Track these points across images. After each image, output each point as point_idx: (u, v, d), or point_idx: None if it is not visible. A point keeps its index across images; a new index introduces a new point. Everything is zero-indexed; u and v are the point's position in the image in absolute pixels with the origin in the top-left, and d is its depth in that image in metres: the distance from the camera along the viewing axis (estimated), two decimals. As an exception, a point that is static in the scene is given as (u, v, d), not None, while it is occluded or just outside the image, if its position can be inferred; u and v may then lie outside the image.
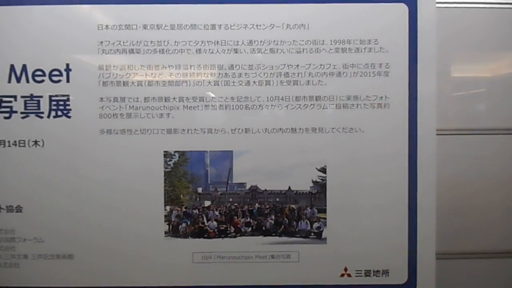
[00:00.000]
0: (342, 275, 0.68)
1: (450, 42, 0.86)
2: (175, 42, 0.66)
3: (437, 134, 0.76)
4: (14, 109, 0.66)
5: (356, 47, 0.67)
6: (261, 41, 0.66)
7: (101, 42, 0.66)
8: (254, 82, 0.67)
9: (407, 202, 0.68)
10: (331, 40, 0.66)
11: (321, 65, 0.66)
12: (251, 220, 0.68)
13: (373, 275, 0.68)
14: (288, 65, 0.67)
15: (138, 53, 0.66)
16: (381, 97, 0.67)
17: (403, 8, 0.66)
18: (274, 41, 0.66)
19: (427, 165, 0.67)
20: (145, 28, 0.66)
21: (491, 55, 0.89)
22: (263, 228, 0.68)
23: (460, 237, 0.86)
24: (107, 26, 0.66)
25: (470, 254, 0.87)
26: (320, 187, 0.67)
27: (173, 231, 0.67)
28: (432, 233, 0.68)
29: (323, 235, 0.68)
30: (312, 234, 0.68)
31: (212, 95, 0.66)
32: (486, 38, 0.87)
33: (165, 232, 0.67)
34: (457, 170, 0.86)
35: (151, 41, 0.66)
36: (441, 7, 0.83)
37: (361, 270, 0.68)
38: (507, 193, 0.88)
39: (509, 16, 0.86)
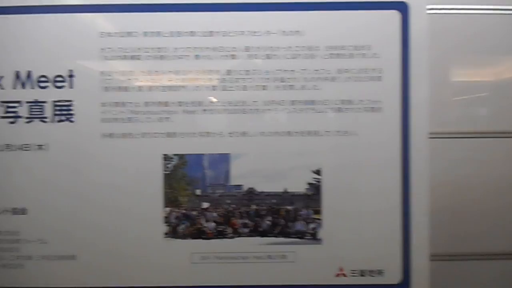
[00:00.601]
0: (338, 275, 0.69)
1: (446, 46, 0.87)
2: (175, 48, 0.68)
3: (431, 138, 0.78)
4: (19, 114, 0.69)
5: (350, 53, 0.68)
6: (257, 47, 0.68)
7: (103, 49, 0.69)
8: (251, 87, 0.69)
9: (401, 203, 0.69)
10: (325, 46, 0.68)
11: (316, 70, 0.68)
12: (248, 221, 0.69)
13: (368, 275, 0.69)
14: (283, 70, 0.69)
15: (138, 59, 0.68)
16: (374, 101, 0.68)
17: (395, 15, 0.68)
18: (270, 47, 0.68)
19: (420, 167, 0.69)
20: (145, 35, 0.68)
21: (489, 60, 0.91)
22: (260, 229, 0.69)
23: (455, 239, 0.87)
24: (109, 33, 0.69)
25: (465, 255, 0.88)
26: (316, 189, 0.69)
27: (173, 232, 0.69)
28: (426, 234, 0.70)
29: (319, 236, 0.69)
30: (308, 234, 0.69)
31: (214, 99, 0.68)
32: (483, 43, 0.89)
33: (165, 233, 0.69)
34: (453, 172, 0.87)
35: (151, 48, 0.68)
36: (439, 13, 0.85)
37: (356, 270, 0.69)
38: (502, 196, 0.89)
39: (504, 21, 0.88)
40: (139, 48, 0.68)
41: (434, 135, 0.86)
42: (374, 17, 0.68)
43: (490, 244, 0.89)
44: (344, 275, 0.69)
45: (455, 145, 0.89)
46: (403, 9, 0.68)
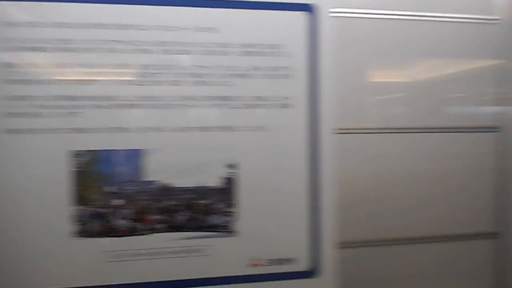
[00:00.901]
0: (252, 265, 0.72)
1: (363, 49, 0.94)
2: (85, 41, 0.66)
3: (340, 133, 0.83)
4: None
5: (263, 51, 0.71)
6: (172, 43, 0.68)
7: (7, 40, 0.65)
8: (166, 82, 0.68)
9: (311, 195, 0.73)
10: (239, 44, 0.70)
11: (229, 67, 0.70)
12: (163, 217, 0.69)
13: (281, 264, 0.73)
14: (198, 66, 0.69)
15: (45, 51, 0.65)
16: (285, 98, 0.72)
17: (304, 16, 0.72)
18: (185, 43, 0.69)
19: (327, 161, 0.73)
20: (52, 26, 0.65)
21: (402, 63, 0.99)
22: (176, 224, 0.70)
23: (362, 227, 0.94)
24: (13, 23, 0.65)
25: (374, 242, 0.95)
26: (230, 182, 0.71)
27: (84, 231, 0.67)
28: (333, 224, 0.74)
29: (234, 229, 0.71)
30: (223, 228, 0.71)
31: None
32: (397, 47, 0.96)
33: (76, 232, 0.67)
34: (358, 165, 0.94)
35: (59, 40, 0.65)
36: (347, 17, 0.91)
37: (269, 260, 0.72)
38: (407, 186, 0.97)
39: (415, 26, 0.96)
40: (45, 40, 0.65)
41: (349, 131, 0.92)
42: (284, 17, 0.71)
43: (398, 230, 0.97)
44: (259, 264, 0.72)
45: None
46: (309, 11, 0.72)
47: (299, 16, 0.71)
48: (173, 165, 0.69)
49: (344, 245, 0.85)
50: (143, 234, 0.69)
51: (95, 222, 0.67)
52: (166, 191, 0.69)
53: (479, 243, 0.99)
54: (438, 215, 0.97)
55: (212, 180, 0.70)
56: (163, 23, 0.68)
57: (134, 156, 0.68)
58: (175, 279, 0.70)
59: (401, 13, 0.94)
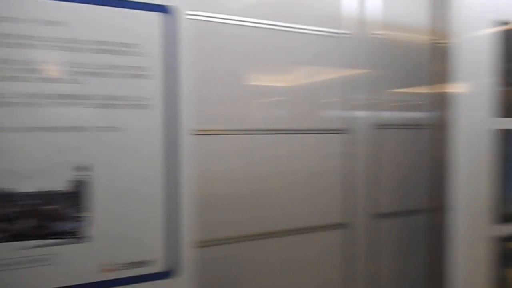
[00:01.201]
0: (106, 270, 0.69)
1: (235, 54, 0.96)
2: None
3: (201, 134, 0.85)
4: None
5: (118, 49, 0.69)
6: (10, 35, 0.62)
7: None
8: (5, 78, 0.62)
9: (168, 196, 0.73)
10: (91, 41, 0.67)
11: (81, 64, 0.66)
12: (2, 225, 0.63)
13: (137, 266, 0.71)
14: (43, 62, 0.64)
15: None
16: (142, 98, 0.71)
17: (160, 17, 0.72)
18: (27, 36, 0.63)
19: (186, 161, 0.74)
20: None
21: (278, 69, 1.04)
22: (17, 232, 0.64)
23: (224, 225, 0.98)
24: None
25: (231, 239, 0.99)
26: (82, 186, 0.67)
27: None
28: (193, 224, 0.76)
29: (85, 234, 0.68)
30: (72, 234, 0.67)
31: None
32: (271, 54, 1.01)
33: None
34: (220, 165, 0.97)
35: None
36: (213, 21, 0.93)
37: (124, 264, 0.71)
38: (267, 185, 1.03)
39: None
40: None
41: (214, 132, 0.95)
42: (140, 17, 0.70)
43: (258, 226, 1.02)
44: (114, 269, 0.70)
45: (221, 141, 0.98)
46: (165, 12, 0.72)
47: (155, 17, 0.71)
48: (14, 169, 0.63)
49: (204, 244, 0.88)
50: (-25, 246, 0.61)
51: None
52: (5, 197, 0.63)
53: (330, 234, 1.11)
54: (294, 209, 1.06)
55: (59, 184, 0.66)
56: (2, 13, 0.62)
57: (-37, 159, 0.60)
58: (17, 292, 0.64)
59: (261, 22, 0.99)
